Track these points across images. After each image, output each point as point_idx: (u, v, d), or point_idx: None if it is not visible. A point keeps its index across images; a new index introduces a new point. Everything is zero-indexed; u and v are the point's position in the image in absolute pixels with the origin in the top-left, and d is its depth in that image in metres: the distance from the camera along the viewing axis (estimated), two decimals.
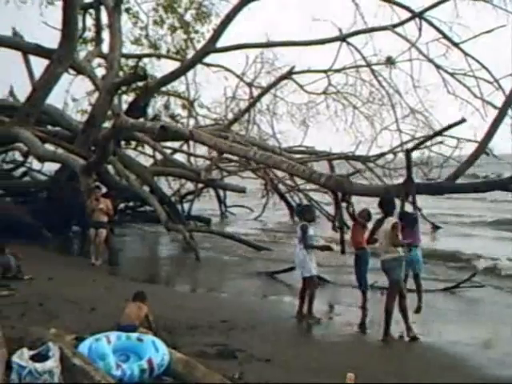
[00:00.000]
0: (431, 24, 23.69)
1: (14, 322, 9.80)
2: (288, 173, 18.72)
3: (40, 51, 25.89)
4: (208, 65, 31.32)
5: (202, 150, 29.37)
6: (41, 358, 7.16)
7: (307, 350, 10.56)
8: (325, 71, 29.44)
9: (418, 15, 23.67)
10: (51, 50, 23.70)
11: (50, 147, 23.37)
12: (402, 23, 24.34)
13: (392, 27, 24.28)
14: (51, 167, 27.98)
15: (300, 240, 13.21)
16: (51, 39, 25.34)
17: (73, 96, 33.96)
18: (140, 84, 27.66)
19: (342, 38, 25.74)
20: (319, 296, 15.02)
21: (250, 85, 32.93)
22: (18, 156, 32.06)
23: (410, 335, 11.64)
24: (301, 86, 30.79)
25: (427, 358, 10.64)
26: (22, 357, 7.14)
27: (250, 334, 11.02)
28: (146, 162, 30.78)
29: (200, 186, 32.49)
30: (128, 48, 30.79)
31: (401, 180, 13.81)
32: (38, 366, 7.02)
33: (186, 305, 13.60)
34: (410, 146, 24.35)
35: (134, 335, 8.40)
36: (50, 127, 27.53)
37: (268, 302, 16.35)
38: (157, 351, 8.05)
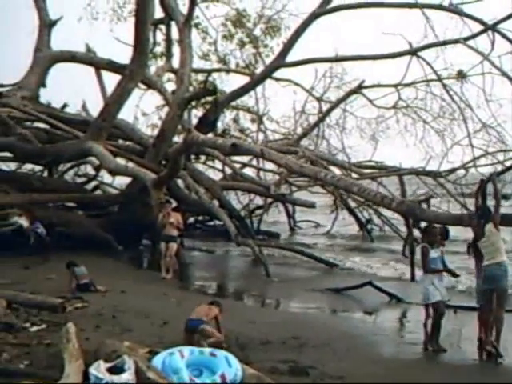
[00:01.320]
0: (504, 36, 23.16)
1: (89, 334, 9.91)
2: (359, 196, 18.45)
3: (112, 67, 26.41)
4: (277, 79, 31.45)
5: (271, 164, 29.42)
6: (117, 370, 7.21)
7: (380, 367, 10.35)
8: (395, 85, 29.21)
9: (491, 28, 23.20)
10: (123, 65, 24.11)
11: (121, 161, 23.66)
12: (473, 36, 23.88)
13: (464, 40, 23.90)
14: (122, 181, 28.34)
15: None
16: (119, 54, 25.95)
17: (143, 110, 34.53)
18: (209, 98, 27.84)
19: (413, 52, 25.45)
20: (390, 312, 14.91)
21: (319, 99, 32.94)
22: (90, 170, 32.68)
23: (487, 348, 11.38)
24: (370, 101, 30.64)
25: (507, 379, 10.37)
26: (98, 369, 7.21)
27: (322, 351, 10.83)
28: (216, 176, 30.90)
29: (269, 200, 32.48)
30: (197, 63, 31.10)
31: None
32: (115, 378, 7.07)
33: (256, 320, 13.49)
34: (483, 166, 24.14)
35: (207, 350, 8.39)
36: (121, 141, 27.88)
37: (338, 318, 16.16)
38: (230, 366, 8.01)
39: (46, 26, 27.34)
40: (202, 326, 9.76)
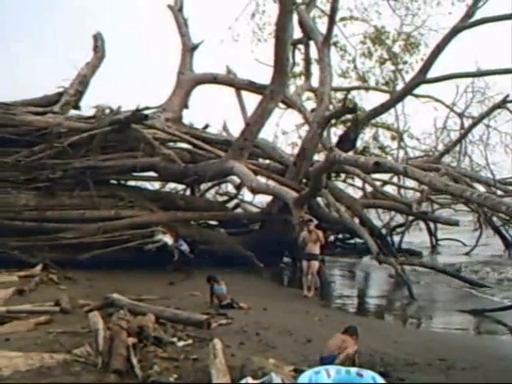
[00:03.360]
0: None
1: (234, 351, 10.02)
2: (507, 215, 17.85)
3: (252, 87, 26.89)
4: (417, 96, 31.07)
5: (412, 181, 29.06)
6: None
7: None
8: None
9: None
10: (263, 85, 24.45)
11: (262, 180, 23.92)
12: None
13: None
14: (261, 199, 28.64)
15: None
16: (259, 74, 26.34)
17: (283, 129, 34.88)
18: (349, 116, 27.80)
19: None
20: None
21: (460, 115, 32.41)
22: (230, 188, 33.27)
23: None
24: None
25: None
26: None
27: (473, 374, 10.37)
28: (355, 193, 30.77)
29: (410, 218, 31.98)
30: (336, 81, 31.18)
31: None
32: None
33: (400, 339, 13.21)
34: None
35: (354, 370, 8.29)
36: (261, 160, 28.20)
37: (485, 340, 15.53)
38: None
39: (189, 49, 28.37)
40: (335, 362, 9.50)
